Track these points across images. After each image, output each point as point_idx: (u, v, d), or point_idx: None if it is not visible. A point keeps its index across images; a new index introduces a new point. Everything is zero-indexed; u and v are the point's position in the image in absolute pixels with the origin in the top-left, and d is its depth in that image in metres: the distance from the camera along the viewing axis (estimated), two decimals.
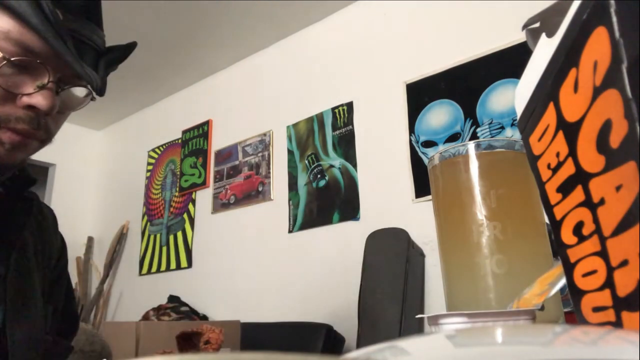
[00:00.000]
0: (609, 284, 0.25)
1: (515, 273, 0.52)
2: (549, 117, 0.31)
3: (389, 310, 1.88)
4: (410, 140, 2.29)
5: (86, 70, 0.58)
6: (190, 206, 3.27)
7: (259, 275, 2.72)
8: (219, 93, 3.34)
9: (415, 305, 1.96)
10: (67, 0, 0.56)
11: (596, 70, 0.24)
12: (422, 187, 2.18)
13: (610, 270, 0.25)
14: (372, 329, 1.89)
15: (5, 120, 0.55)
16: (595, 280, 0.26)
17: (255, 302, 2.68)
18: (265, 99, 3.01)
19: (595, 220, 0.26)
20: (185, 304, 2.87)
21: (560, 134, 0.29)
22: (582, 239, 0.28)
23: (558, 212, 0.30)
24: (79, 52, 0.57)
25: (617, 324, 0.24)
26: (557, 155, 0.30)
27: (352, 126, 2.54)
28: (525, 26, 0.37)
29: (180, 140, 3.49)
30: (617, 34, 0.23)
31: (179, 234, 3.27)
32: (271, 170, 2.83)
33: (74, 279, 3.15)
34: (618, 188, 0.23)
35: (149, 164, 3.69)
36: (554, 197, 0.31)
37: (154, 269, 3.35)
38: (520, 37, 1.83)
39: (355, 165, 2.47)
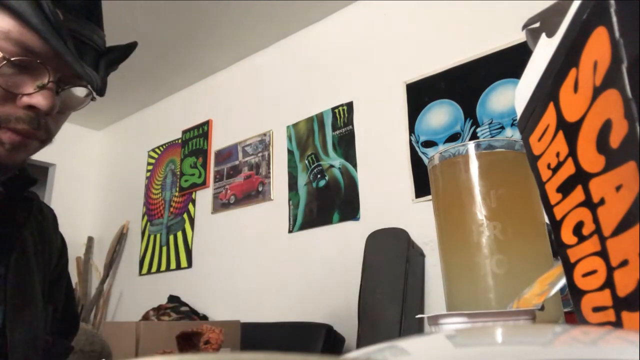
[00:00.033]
0: (609, 284, 0.25)
1: (515, 273, 0.52)
2: (549, 117, 0.31)
3: (389, 310, 1.88)
4: (410, 140, 2.29)
5: (86, 70, 0.57)
6: (190, 206, 3.27)
7: (259, 275, 2.72)
8: (219, 93, 3.34)
9: (415, 305, 1.96)
10: (68, 0, 0.56)
11: (596, 70, 0.24)
12: (422, 187, 2.18)
13: (610, 270, 0.25)
14: (372, 329, 1.89)
15: (5, 120, 0.55)
16: (595, 280, 0.26)
17: (255, 302, 2.68)
18: (265, 99, 3.01)
19: (595, 220, 0.26)
20: (185, 304, 2.87)
21: (560, 134, 0.29)
22: (582, 239, 0.28)
23: (558, 212, 0.30)
24: (79, 52, 0.57)
25: (617, 324, 0.24)
26: (557, 155, 0.30)
27: (352, 126, 2.54)
28: (525, 26, 0.37)
29: (180, 140, 3.49)
30: (617, 34, 0.23)
31: (179, 234, 3.27)
32: (271, 170, 2.83)
33: (74, 279, 3.15)
34: (618, 188, 0.23)
35: (149, 164, 3.70)
36: (554, 197, 0.31)
37: (154, 269, 3.35)
38: (520, 37, 1.83)
39: (355, 165, 2.47)
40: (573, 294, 0.30)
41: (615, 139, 0.23)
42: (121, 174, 3.93)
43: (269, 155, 2.87)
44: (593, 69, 0.25)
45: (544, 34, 0.33)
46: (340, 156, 2.54)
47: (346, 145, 2.53)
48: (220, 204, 3.07)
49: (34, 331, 0.66)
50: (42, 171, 3.81)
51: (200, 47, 3.08)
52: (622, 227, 0.23)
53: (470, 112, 2.14)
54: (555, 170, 0.30)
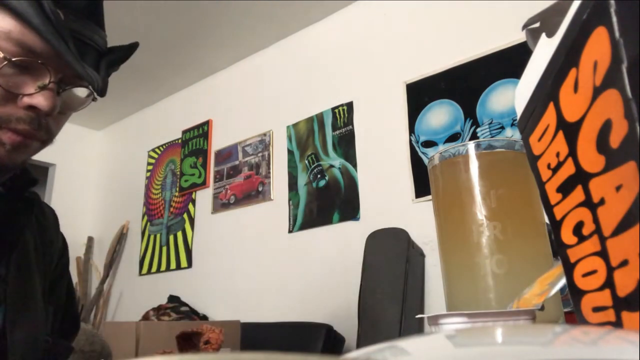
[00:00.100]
0: (609, 284, 0.25)
1: (515, 273, 0.52)
2: (549, 117, 0.31)
3: (389, 310, 1.88)
4: (410, 140, 2.29)
5: (87, 70, 0.57)
6: (190, 206, 3.27)
7: (259, 275, 2.72)
8: (219, 93, 3.34)
9: (415, 305, 1.96)
10: (69, 0, 0.56)
11: (596, 70, 0.24)
12: (422, 187, 2.18)
13: (610, 270, 0.25)
14: (372, 329, 1.89)
15: (6, 120, 0.55)
16: (595, 280, 0.26)
17: (255, 302, 2.68)
18: (265, 99, 3.01)
19: (595, 220, 0.26)
20: (185, 304, 2.87)
21: (560, 134, 0.29)
22: (582, 239, 0.28)
23: (558, 212, 0.30)
24: (80, 52, 0.57)
25: (617, 324, 0.24)
26: (557, 155, 0.30)
27: (352, 126, 2.54)
28: (525, 26, 0.37)
29: (180, 140, 3.49)
30: (617, 34, 0.23)
31: (179, 234, 3.27)
32: (271, 170, 2.83)
33: (74, 279, 3.15)
34: (618, 188, 0.23)
35: (149, 164, 3.70)
36: (554, 197, 0.31)
37: (154, 269, 3.35)
38: (520, 37, 1.83)
39: (355, 165, 2.47)
40: (573, 294, 0.30)
41: (615, 139, 0.23)
42: (121, 174, 3.93)
43: (269, 155, 2.87)
44: (593, 69, 0.25)
45: (544, 34, 0.33)
46: (340, 156, 2.54)
47: (346, 145, 2.53)
48: (220, 204, 3.07)
49: (34, 332, 0.66)
50: (42, 171, 3.81)
51: (200, 47, 3.08)
52: (622, 227, 0.23)
53: (470, 112, 2.14)
54: (555, 170, 0.30)
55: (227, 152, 3.14)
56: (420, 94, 2.32)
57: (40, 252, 0.72)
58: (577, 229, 0.28)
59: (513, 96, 0.38)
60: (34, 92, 0.56)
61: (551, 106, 0.30)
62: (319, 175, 2.60)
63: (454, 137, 2.16)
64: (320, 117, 2.69)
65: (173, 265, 3.23)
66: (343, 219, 2.43)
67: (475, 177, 0.56)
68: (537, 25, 0.35)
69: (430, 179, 0.64)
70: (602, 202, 0.25)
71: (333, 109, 2.64)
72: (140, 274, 3.44)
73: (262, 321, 2.27)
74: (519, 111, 0.36)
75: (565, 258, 0.30)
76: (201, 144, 3.32)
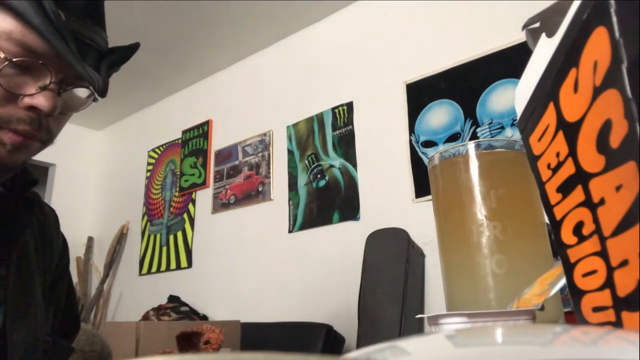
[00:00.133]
0: (609, 284, 0.25)
1: (515, 273, 0.52)
2: (549, 117, 0.31)
3: (389, 310, 1.88)
4: (410, 140, 2.29)
5: (88, 71, 0.57)
6: (190, 206, 3.27)
7: (259, 275, 2.72)
8: (219, 93, 3.34)
9: (415, 305, 1.96)
10: (70, 0, 0.56)
11: (596, 70, 0.24)
12: (422, 187, 2.18)
13: (610, 270, 0.25)
14: (372, 329, 1.89)
15: (6, 121, 0.55)
16: (595, 280, 0.26)
17: (255, 302, 2.68)
18: (265, 99, 3.01)
19: (595, 220, 0.26)
20: (185, 304, 2.87)
21: (560, 134, 0.29)
22: (582, 239, 0.28)
23: (558, 212, 0.30)
24: (81, 53, 0.57)
25: (617, 324, 0.24)
26: (557, 155, 0.30)
27: (352, 126, 2.54)
28: (525, 26, 0.37)
29: (180, 140, 3.49)
30: (617, 34, 0.23)
31: (179, 234, 3.27)
32: (271, 170, 2.83)
33: (74, 279, 3.15)
34: (618, 188, 0.23)
35: (149, 164, 3.70)
36: (554, 197, 0.31)
37: (154, 269, 3.35)
38: (520, 37, 1.83)
39: (355, 165, 2.47)
40: (573, 294, 0.30)
41: (615, 139, 0.23)
42: (121, 174, 3.93)
43: (269, 155, 2.87)
44: (593, 69, 0.25)
45: (544, 34, 0.33)
46: (340, 156, 2.54)
47: (346, 145, 2.53)
48: (220, 204, 3.07)
49: (34, 332, 0.66)
50: (42, 171, 3.81)
51: (200, 47, 3.08)
52: (622, 227, 0.23)
53: (470, 112, 2.14)
54: (555, 170, 0.30)
55: (227, 152, 3.14)
56: (420, 94, 2.32)
57: (41, 252, 0.72)
58: (577, 229, 0.28)
59: (513, 96, 0.38)
60: (35, 93, 0.56)
61: (551, 106, 0.30)
62: (319, 175, 2.60)
63: (454, 137, 2.16)
64: (320, 117, 2.69)
65: (173, 265, 3.23)
66: (343, 219, 2.43)
67: (475, 177, 0.56)
68: (537, 25, 0.35)
69: (430, 179, 0.64)
70: (602, 202, 0.25)
71: (333, 109, 2.64)
72: (140, 274, 3.44)
73: (262, 321, 2.27)
74: (519, 111, 0.36)
75: (565, 258, 0.30)
76: (201, 144, 3.33)
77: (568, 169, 0.28)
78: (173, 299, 2.94)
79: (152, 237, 3.45)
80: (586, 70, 0.26)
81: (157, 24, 2.85)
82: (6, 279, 0.63)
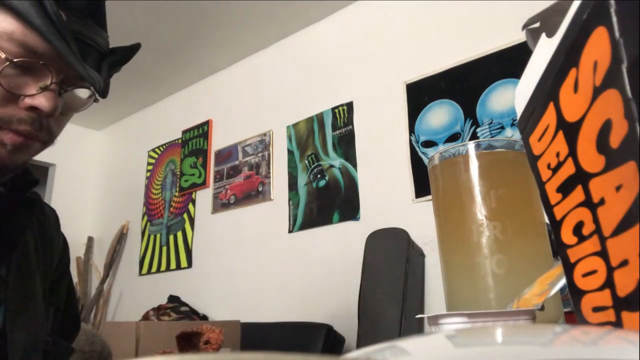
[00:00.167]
0: (609, 284, 0.25)
1: (515, 273, 0.52)
2: (549, 117, 0.31)
3: (389, 310, 1.88)
4: (410, 140, 2.29)
5: (89, 71, 0.57)
6: (190, 206, 3.27)
7: (259, 275, 2.72)
8: (219, 93, 3.34)
9: (415, 305, 1.96)
10: (71, 1, 0.56)
11: (596, 70, 0.24)
12: (422, 187, 2.18)
13: (610, 270, 0.25)
14: (372, 329, 1.89)
15: (7, 121, 0.55)
16: (595, 280, 0.26)
17: (255, 302, 2.68)
18: (265, 99, 3.01)
19: (595, 220, 0.26)
20: (185, 304, 2.87)
21: (560, 134, 0.29)
22: (582, 239, 0.28)
23: (558, 212, 0.30)
24: (82, 53, 0.57)
25: (617, 324, 0.24)
26: (557, 155, 0.30)
27: (352, 126, 2.54)
28: (525, 26, 0.37)
29: (180, 140, 3.49)
30: (617, 34, 0.23)
31: (179, 234, 3.27)
32: (271, 170, 2.83)
33: (74, 279, 3.15)
34: (618, 188, 0.23)
35: (149, 164, 3.70)
36: (554, 197, 0.31)
37: (154, 269, 3.35)
38: (520, 37, 1.83)
39: (355, 165, 2.47)
40: (573, 294, 0.30)
41: (615, 139, 0.23)
42: (121, 174, 3.93)
43: (269, 155, 2.87)
44: (593, 69, 0.25)
45: (544, 34, 0.33)
46: (340, 156, 2.54)
47: (346, 145, 2.53)
48: (220, 204, 3.07)
49: (35, 332, 0.66)
50: (42, 171, 3.81)
51: (200, 47, 3.08)
52: (622, 227, 0.23)
53: (470, 112, 2.14)
54: (555, 170, 0.30)
55: (227, 152, 3.14)
56: (420, 94, 2.32)
57: (41, 253, 0.72)
58: (577, 229, 0.28)
59: (513, 96, 0.38)
60: (36, 93, 0.56)
61: (551, 106, 0.30)
62: (319, 175, 2.60)
63: (454, 137, 2.16)
64: (320, 117, 2.69)
65: (173, 265, 3.23)
66: (343, 219, 2.43)
67: (475, 177, 0.56)
68: (537, 25, 0.35)
69: (430, 179, 0.64)
70: (602, 202, 0.25)
71: (333, 109, 2.64)
72: (140, 274, 3.44)
73: (262, 321, 2.27)
74: (519, 111, 0.36)
75: (565, 258, 0.30)
76: (201, 144, 3.33)
77: (568, 169, 0.28)
78: (173, 299, 2.94)
79: (152, 237, 3.45)
80: (586, 70, 0.26)
81: (157, 24, 2.85)
82: (6, 279, 0.63)
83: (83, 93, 0.62)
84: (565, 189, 0.29)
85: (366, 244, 2.11)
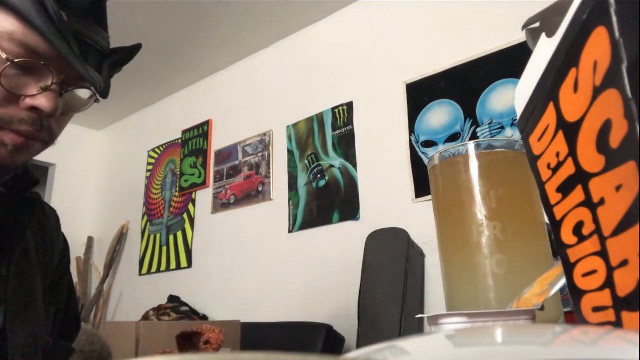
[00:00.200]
0: (609, 284, 0.25)
1: (515, 273, 0.52)
2: (549, 117, 0.31)
3: (389, 310, 1.88)
4: (410, 140, 2.29)
5: (90, 72, 0.57)
6: (190, 206, 3.27)
7: (259, 275, 2.72)
8: (219, 93, 3.34)
9: (415, 305, 1.96)
10: (72, 1, 0.56)
11: (596, 70, 0.24)
12: (422, 187, 2.18)
13: (610, 270, 0.25)
14: (372, 329, 1.89)
15: (8, 121, 0.55)
16: (595, 280, 0.26)
17: (255, 302, 2.68)
18: (265, 99, 3.01)
19: (595, 220, 0.26)
20: (185, 304, 2.87)
21: (560, 134, 0.29)
22: (582, 239, 0.28)
23: (558, 212, 0.30)
24: (83, 53, 0.57)
25: (617, 324, 0.24)
26: (557, 155, 0.30)
27: (352, 126, 2.54)
28: (525, 26, 0.37)
29: (180, 140, 3.49)
30: (617, 34, 0.23)
31: (179, 234, 3.27)
32: (271, 170, 2.83)
33: (74, 279, 3.15)
34: (618, 188, 0.23)
35: (149, 164, 3.70)
36: (554, 197, 0.31)
37: (154, 269, 3.35)
38: (520, 37, 1.83)
39: (355, 165, 2.47)
40: (573, 294, 0.30)
41: (615, 139, 0.23)
42: (121, 174, 3.93)
43: (269, 155, 2.87)
44: (593, 69, 0.25)
45: (544, 34, 0.33)
46: (340, 156, 2.54)
47: (346, 145, 2.53)
48: (220, 204, 3.07)
49: (35, 332, 0.66)
50: (42, 171, 3.81)
51: (200, 47, 3.08)
52: (622, 227, 0.23)
53: (470, 112, 2.14)
54: (555, 170, 0.30)
55: (227, 152, 3.14)
56: (420, 94, 2.32)
57: (42, 253, 0.72)
58: (577, 229, 0.28)
59: (513, 96, 0.38)
60: (37, 94, 0.56)
61: (551, 106, 0.30)
62: (319, 175, 2.60)
63: (454, 137, 2.16)
64: (320, 117, 2.69)
65: (173, 265, 3.23)
66: (343, 219, 2.43)
67: (475, 177, 0.56)
68: (537, 25, 0.35)
69: (430, 179, 0.64)
70: (602, 202, 0.25)
71: (333, 109, 2.64)
72: (140, 274, 3.44)
73: (262, 321, 2.27)
74: (519, 111, 0.36)
75: (565, 258, 0.30)
76: (201, 144, 3.33)
77: (568, 169, 0.28)
78: (173, 299, 2.94)
79: (152, 237, 3.45)
80: (586, 70, 0.26)
81: (158, 24, 2.85)
82: (7, 280, 0.63)
83: (84, 93, 0.62)
84: (565, 189, 0.29)
85: (366, 244, 2.11)
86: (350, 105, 2.58)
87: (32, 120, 0.56)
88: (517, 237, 0.54)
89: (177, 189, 3.38)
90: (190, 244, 3.18)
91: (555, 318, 0.50)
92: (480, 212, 0.54)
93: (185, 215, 3.28)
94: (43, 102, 0.56)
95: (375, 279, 1.99)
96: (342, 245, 2.40)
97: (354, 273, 2.12)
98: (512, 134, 1.99)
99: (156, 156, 3.66)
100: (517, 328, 0.30)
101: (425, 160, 2.19)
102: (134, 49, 0.66)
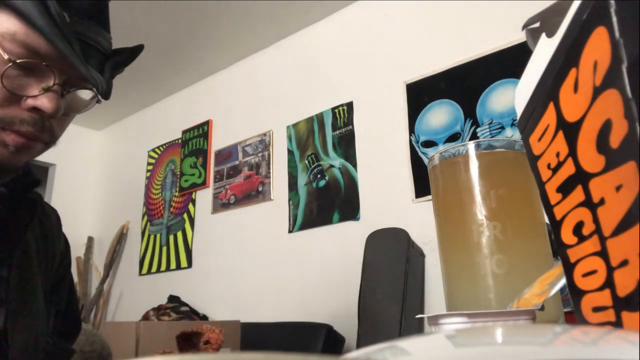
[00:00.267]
0: (609, 284, 0.25)
1: (515, 273, 0.52)
2: (549, 117, 0.31)
3: (389, 310, 1.88)
4: (410, 140, 2.29)
5: (92, 72, 0.57)
6: (190, 206, 3.27)
7: (259, 275, 2.72)
8: (219, 93, 3.34)
9: (415, 305, 1.96)
10: (74, 1, 0.56)
11: (596, 70, 0.24)
12: (422, 187, 2.18)
13: (610, 270, 0.25)
14: (372, 329, 1.89)
15: (9, 122, 0.55)
16: (595, 280, 0.26)
17: (255, 302, 2.68)
18: (265, 99, 3.01)
19: (595, 220, 0.26)
20: (185, 304, 2.87)
21: (560, 134, 0.29)
22: (582, 239, 0.28)
23: (558, 212, 0.30)
24: (85, 54, 0.57)
25: (617, 324, 0.24)
26: (557, 155, 0.30)
27: (352, 126, 2.54)
28: (525, 26, 0.37)
29: (180, 140, 3.49)
30: (617, 34, 0.23)
31: (179, 234, 3.27)
32: (271, 170, 2.83)
33: (74, 279, 3.15)
34: (618, 188, 0.23)
35: (149, 164, 3.70)
36: (554, 197, 0.31)
37: (154, 269, 3.35)
38: (520, 37, 1.83)
39: (355, 165, 2.47)
40: (573, 294, 0.30)
41: (615, 139, 0.23)
42: (121, 174, 3.93)
43: (269, 155, 2.87)
44: (593, 69, 0.25)
45: (544, 34, 0.33)
46: (340, 156, 2.54)
47: (346, 145, 2.53)
48: (220, 204, 3.07)
49: (35, 333, 0.66)
50: (42, 171, 3.81)
51: (200, 47, 3.08)
52: (622, 227, 0.23)
53: (470, 112, 2.14)
54: (555, 170, 0.30)
55: (227, 152, 3.14)
56: (420, 94, 2.32)
57: (42, 253, 0.72)
58: (577, 229, 0.28)
59: (513, 96, 0.38)
60: (38, 94, 0.55)
61: (551, 106, 0.30)
62: (319, 175, 2.60)
63: (454, 137, 2.16)
64: (320, 117, 2.69)
65: (173, 265, 3.23)
66: (343, 219, 2.43)
67: (475, 177, 0.56)
68: (537, 25, 0.35)
69: (430, 179, 0.64)
70: (602, 202, 0.25)
71: (333, 109, 2.64)
72: (140, 274, 3.44)
73: (262, 321, 2.27)
74: (519, 111, 0.36)
75: (565, 258, 0.30)
76: (201, 144, 3.33)
77: (568, 169, 0.28)
78: (173, 299, 2.94)
79: (152, 237, 3.45)
80: (586, 70, 0.26)
81: (158, 24, 2.85)
82: (7, 280, 0.63)
83: (85, 94, 0.62)
84: (565, 189, 0.29)
85: (366, 244, 2.11)
86: (350, 105, 2.58)
87: (34, 120, 0.56)
88: (517, 237, 0.54)
89: (177, 189, 3.38)
90: (190, 244, 3.18)
91: (555, 318, 0.50)
92: (480, 212, 0.54)
93: (185, 215, 3.28)
94: (44, 102, 0.56)
95: (375, 279, 1.99)
96: (342, 245, 2.40)
97: (354, 273, 2.12)
98: (512, 134, 1.99)
99: (156, 156, 3.66)
100: (517, 328, 0.30)
101: (425, 160, 2.19)
102: (136, 50, 0.66)
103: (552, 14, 0.33)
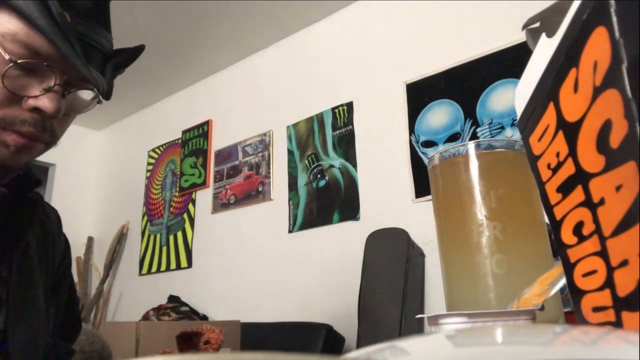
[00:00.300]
0: (609, 284, 0.25)
1: (515, 273, 0.52)
2: (549, 117, 0.31)
3: (389, 310, 1.88)
4: (410, 140, 2.29)
5: (93, 73, 0.57)
6: (190, 206, 3.27)
7: (259, 275, 2.72)
8: (219, 93, 3.34)
9: (415, 305, 1.96)
10: (76, 2, 0.56)
11: (596, 70, 0.24)
12: (422, 187, 2.18)
13: (610, 270, 0.25)
14: (372, 329, 1.89)
15: (10, 122, 0.55)
16: (595, 280, 0.26)
17: (255, 302, 2.68)
18: (265, 99, 3.01)
19: (595, 220, 0.26)
20: (185, 304, 2.87)
21: (560, 134, 0.29)
22: (582, 239, 0.28)
23: (558, 212, 0.30)
24: (86, 55, 0.57)
25: (617, 324, 0.24)
26: (557, 155, 0.30)
27: (352, 126, 2.54)
28: (525, 26, 0.37)
29: (180, 140, 3.49)
30: (617, 34, 0.23)
31: (179, 234, 3.27)
32: (271, 170, 2.83)
33: (74, 279, 3.15)
34: (618, 188, 0.23)
35: (149, 164, 3.70)
36: (554, 197, 0.31)
37: (154, 269, 3.35)
38: (520, 37, 1.83)
39: (355, 165, 2.47)
40: (573, 294, 0.30)
41: (615, 139, 0.23)
42: (121, 174, 3.93)
43: (269, 155, 2.87)
44: (593, 69, 0.25)
45: (544, 34, 0.33)
46: (340, 156, 2.54)
47: (346, 145, 2.53)
48: (220, 204, 3.07)
49: (36, 333, 0.66)
50: (42, 171, 3.81)
51: (200, 47, 3.08)
52: (622, 227, 0.23)
53: (470, 112, 2.14)
54: (555, 170, 0.30)
55: (227, 152, 3.14)
56: (420, 94, 2.32)
57: (43, 253, 0.72)
58: (577, 229, 0.28)
59: (513, 96, 0.38)
60: (39, 94, 0.55)
61: (551, 106, 0.30)
62: (319, 175, 2.60)
63: (454, 137, 2.16)
64: (320, 117, 2.69)
65: (173, 265, 3.23)
66: (343, 219, 2.43)
67: (475, 177, 0.56)
68: (537, 25, 0.35)
69: (430, 179, 0.64)
70: (602, 202, 0.25)
71: (333, 109, 2.64)
72: (140, 274, 3.44)
73: (262, 321, 2.27)
74: (519, 111, 0.36)
75: (565, 258, 0.30)
76: (201, 144, 3.33)
77: (568, 169, 0.28)
78: (173, 299, 2.94)
79: (152, 237, 3.45)
80: (586, 70, 0.26)
81: (158, 24, 2.85)
82: (8, 280, 0.63)
83: (86, 95, 0.62)
84: (565, 189, 0.29)
85: (366, 244, 2.11)
86: (350, 105, 2.58)
87: (35, 121, 0.56)
88: (517, 237, 0.54)
89: (177, 189, 3.38)
90: (190, 244, 3.18)
91: (555, 318, 0.50)
92: (480, 212, 0.54)
93: (185, 215, 3.28)
94: (45, 103, 0.56)
95: (375, 279, 1.99)
96: (342, 245, 2.40)
97: (354, 273, 2.12)
98: (512, 134, 1.99)
99: (156, 156, 3.66)
100: (517, 328, 0.30)
101: (425, 160, 2.19)
102: (137, 50, 0.66)
103: (552, 14, 0.33)
